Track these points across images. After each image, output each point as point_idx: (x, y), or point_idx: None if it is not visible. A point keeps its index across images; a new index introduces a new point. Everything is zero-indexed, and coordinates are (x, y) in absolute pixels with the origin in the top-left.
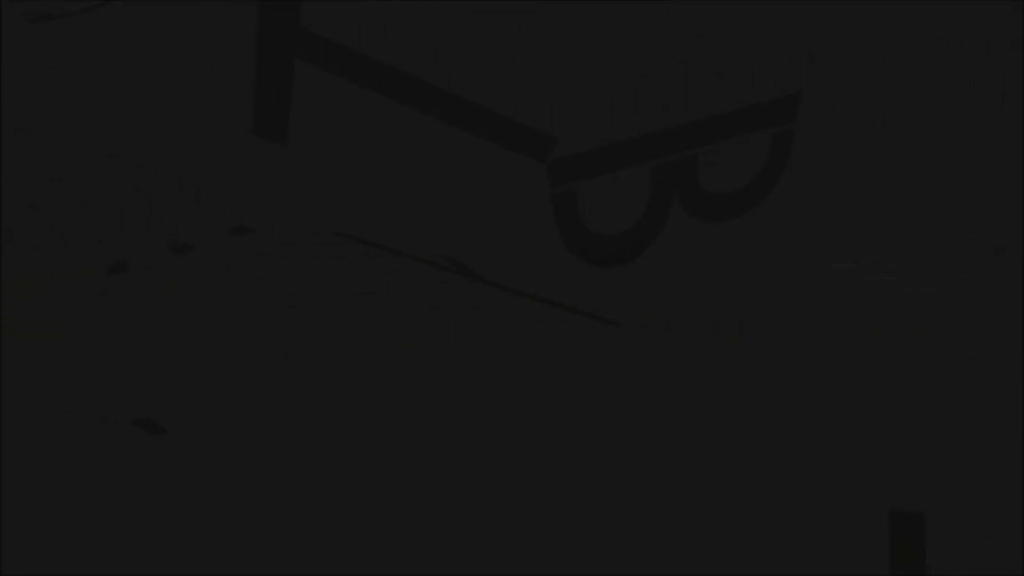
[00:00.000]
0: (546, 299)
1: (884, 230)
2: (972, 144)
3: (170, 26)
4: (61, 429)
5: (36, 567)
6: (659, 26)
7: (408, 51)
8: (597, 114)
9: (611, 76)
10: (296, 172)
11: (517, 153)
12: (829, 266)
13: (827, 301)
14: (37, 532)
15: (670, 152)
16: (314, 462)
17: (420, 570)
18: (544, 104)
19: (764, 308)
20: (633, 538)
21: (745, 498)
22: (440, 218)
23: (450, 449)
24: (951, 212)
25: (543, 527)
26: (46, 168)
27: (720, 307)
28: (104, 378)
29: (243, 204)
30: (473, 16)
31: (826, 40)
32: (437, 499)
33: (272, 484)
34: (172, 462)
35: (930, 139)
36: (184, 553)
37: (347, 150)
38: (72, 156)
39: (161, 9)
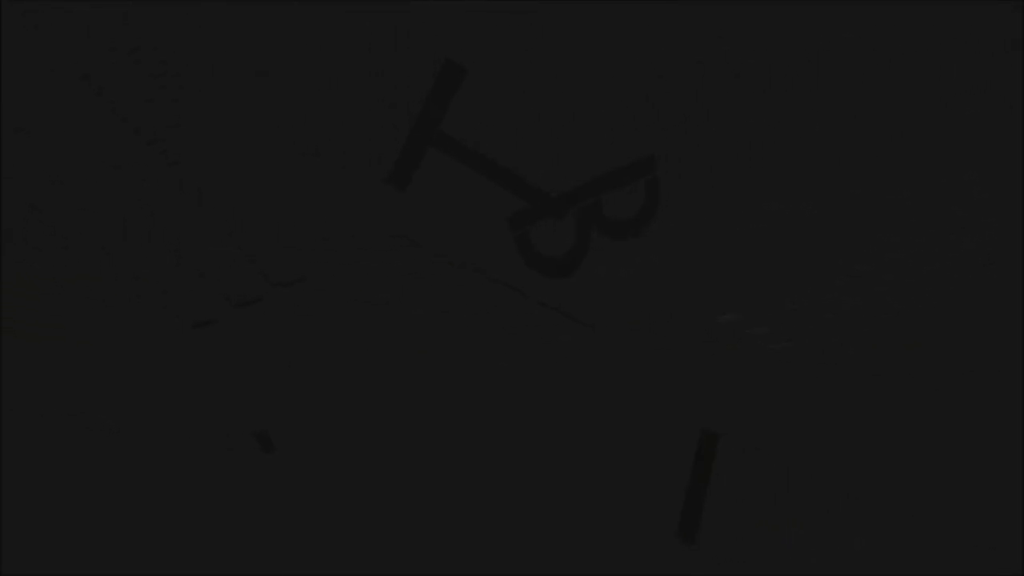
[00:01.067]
0: (543, 303)
1: (880, 232)
2: (972, 145)
3: (170, 26)
4: (61, 431)
5: (36, 567)
6: (677, 27)
7: (422, 52)
8: (610, 118)
9: (628, 77)
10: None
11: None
12: (830, 269)
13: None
14: (37, 532)
15: (585, 199)
16: (318, 467)
17: (424, 570)
18: (560, 107)
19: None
20: (633, 537)
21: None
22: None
23: (454, 451)
24: (949, 215)
25: (548, 526)
26: (47, 169)
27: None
28: (105, 381)
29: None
30: (489, 16)
31: (827, 41)
32: (442, 502)
33: (274, 487)
34: (173, 465)
35: (930, 140)
36: (184, 554)
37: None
38: (73, 159)
39: (161, 9)
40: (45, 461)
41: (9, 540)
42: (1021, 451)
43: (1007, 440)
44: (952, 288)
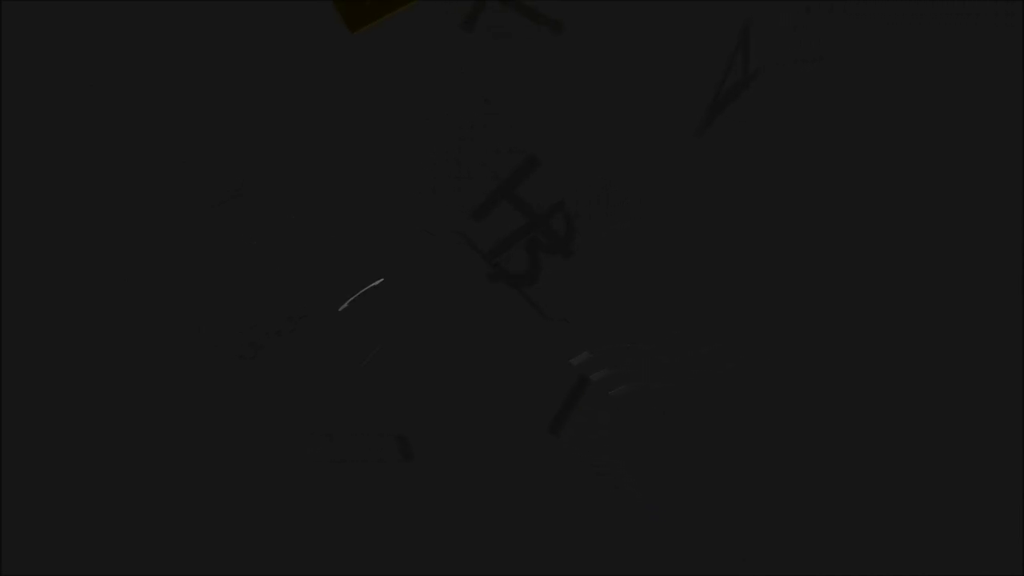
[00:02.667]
0: (542, 309)
1: (878, 230)
2: (972, 145)
3: (170, 26)
4: (61, 429)
5: (36, 567)
6: (662, 20)
7: (406, 53)
8: (608, 119)
9: (627, 77)
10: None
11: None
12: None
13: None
14: (37, 532)
15: (529, 233)
16: (317, 467)
17: (424, 570)
18: (561, 106)
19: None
20: (632, 537)
21: (743, 498)
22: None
23: (456, 448)
24: (949, 214)
25: (553, 526)
26: (48, 168)
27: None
28: (105, 379)
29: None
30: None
31: (826, 39)
32: (445, 502)
33: (275, 486)
34: (173, 463)
35: (929, 139)
36: (183, 553)
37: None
38: (74, 156)
39: (161, 9)
40: (45, 461)
41: (9, 540)
42: (1021, 451)
43: (1007, 440)
44: (951, 288)
